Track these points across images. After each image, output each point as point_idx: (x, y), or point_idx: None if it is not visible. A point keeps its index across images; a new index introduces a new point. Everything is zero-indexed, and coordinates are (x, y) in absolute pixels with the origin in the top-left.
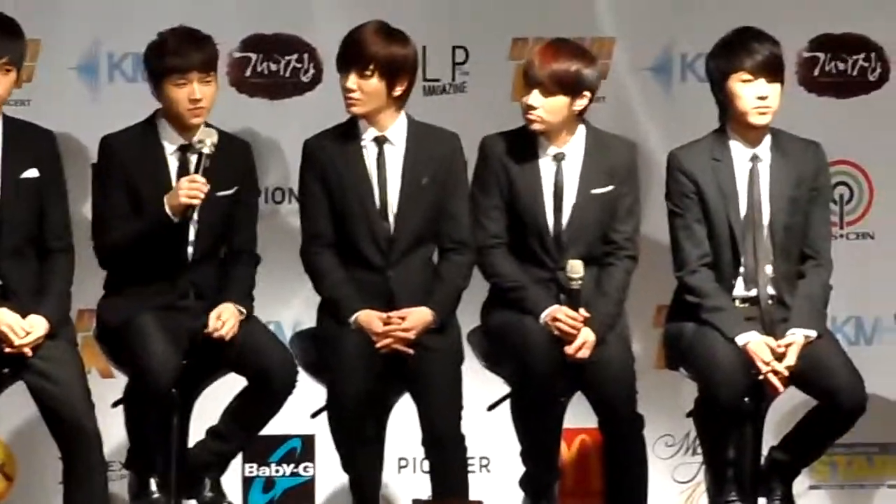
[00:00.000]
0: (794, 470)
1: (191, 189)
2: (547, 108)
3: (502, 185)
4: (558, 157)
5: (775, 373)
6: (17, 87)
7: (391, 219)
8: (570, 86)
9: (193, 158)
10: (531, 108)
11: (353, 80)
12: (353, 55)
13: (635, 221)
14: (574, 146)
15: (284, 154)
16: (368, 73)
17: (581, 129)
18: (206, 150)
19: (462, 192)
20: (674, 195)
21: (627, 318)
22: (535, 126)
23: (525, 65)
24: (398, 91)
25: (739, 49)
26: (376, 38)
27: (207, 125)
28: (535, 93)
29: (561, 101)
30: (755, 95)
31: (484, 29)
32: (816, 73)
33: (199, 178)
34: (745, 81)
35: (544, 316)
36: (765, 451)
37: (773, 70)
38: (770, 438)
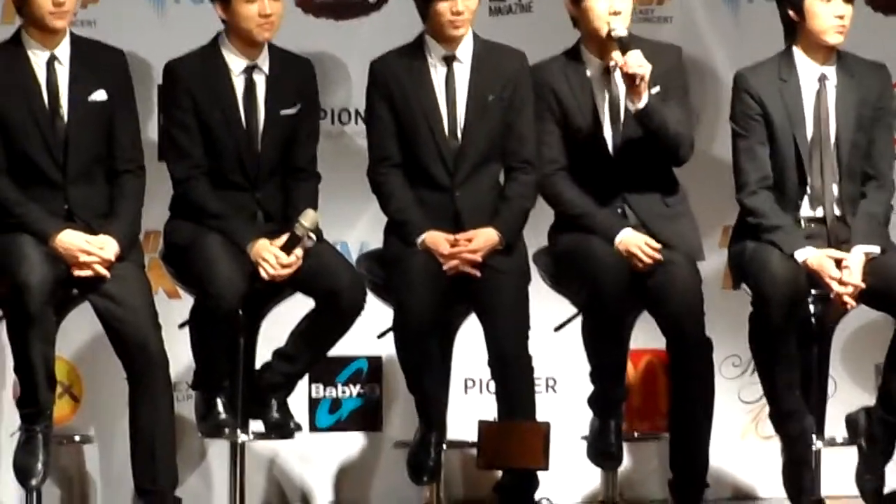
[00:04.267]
0: None
1: (275, 271)
2: (628, 8)
3: (553, 110)
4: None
5: (843, 287)
6: (83, 7)
7: (458, 138)
8: None
9: (286, 237)
10: (618, 12)
11: (461, 3)
12: None
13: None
14: None
15: (350, 75)
16: None
17: None
18: (305, 238)
19: (528, 111)
20: (738, 116)
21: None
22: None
23: None
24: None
25: None
26: None
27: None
28: None
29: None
30: (833, 14)
31: None
32: None
33: (286, 259)
34: (823, 0)
35: (618, 241)
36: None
37: None
38: (838, 364)
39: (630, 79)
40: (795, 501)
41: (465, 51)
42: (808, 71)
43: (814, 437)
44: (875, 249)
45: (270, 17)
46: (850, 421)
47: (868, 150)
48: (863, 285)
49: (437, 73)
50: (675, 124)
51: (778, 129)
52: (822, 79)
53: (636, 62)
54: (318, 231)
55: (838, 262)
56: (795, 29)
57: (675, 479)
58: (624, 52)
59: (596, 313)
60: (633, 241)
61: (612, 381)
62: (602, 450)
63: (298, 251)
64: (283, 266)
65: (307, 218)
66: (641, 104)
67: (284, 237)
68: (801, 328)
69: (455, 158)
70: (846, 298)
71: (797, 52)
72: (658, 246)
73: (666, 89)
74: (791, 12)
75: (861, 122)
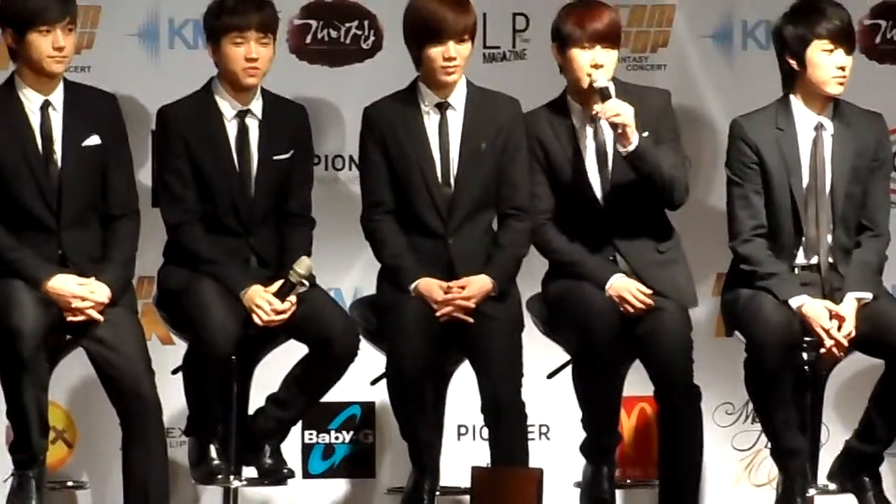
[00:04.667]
0: (878, 456)
1: (269, 317)
2: (610, 63)
3: (540, 159)
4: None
5: (836, 341)
6: (77, 52)
7: (451, 185)
8: (620, 36)
9: (281, 281)
10: (599, 65)
11: (454, 49)
12: (447, 24)
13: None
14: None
15: (344, 121)
16: (466, 38)
17: None
18: (298, 285)
19: (522, 159)
20: (734, 164)
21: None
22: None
23: (569, 27)
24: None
25: (818, 17)
26: (455, 4)
27: (308, 256)
28: (598, 48)
29: (616, 54)
30: (835, 65)
31: None
32: (878, 40)
33: (280, 306)
34: (825, 51)
35: (609, 287)
36: (826, 424)
37: (850, 40)
38: (832, 412)
39: (614, 126)
40: None
41: (458, 97)
42: (805, 120)
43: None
44: (867, 296)
45: (256, 61)
46: (831, 473)
47: (863, 201)
48: (848, 340)
49: (431, 120)
50: (670, 167)
51: (774, 178)
52: (819, 128)
53: (613, 110)
54: (311, 277)
55: (833, 314)
56: (794, 78)
57: None
58: (604, 102)
59: (587, 359)
60: (623, 287)
61: (605, 428)
62: (595, 497)
63: (292, 298)
64: (277, 313)
65: (301, 265)
66: (632, 147)
67: (278, 283)
68: (794, 375)
69: (448, 206)
70: (835, 351)
71: (795, 100)
72: (649, 291)
73: (656, 133)
74: (792, 62)
75: (857, 173)
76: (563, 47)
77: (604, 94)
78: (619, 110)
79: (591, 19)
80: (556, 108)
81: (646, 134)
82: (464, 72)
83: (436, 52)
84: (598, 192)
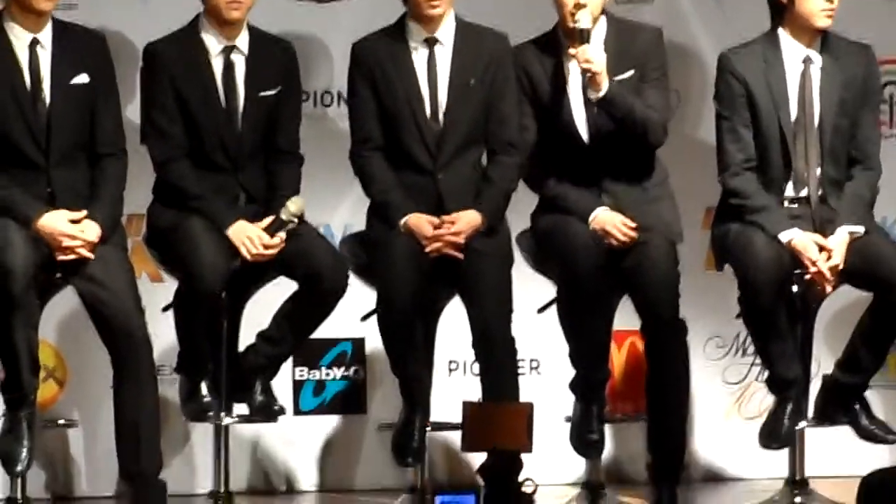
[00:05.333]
0: (864, 385)
1: (256, 251)
2: (595, 3)
3: (527, 92)
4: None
5: (821, 272)
6: None
7: (440, 120)
8: None
9: (272, 217)
10: (582, 5)
11: None
12: None
13: None
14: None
15: (332, 57)
16: None
17: None
18: (290, 222)
19: (510, 94)
20: (722, 97)
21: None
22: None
23: None
24: None
25: None
26: None
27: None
28: None
29: None
30: None
31: None
32: None
33: (270, 240)
34: None
35: (592, 219)
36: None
37: None
38: (822, 343)
39: (583, 72)
40: (771, 440)
41: (446, 33)
42: (793, 53)
43: None
44: (859, 230)
45: None
46: (817, 408)
47: (853, 133)
48: (834, 272)
49: (419, 56)
50: (644, 109)
51: (762, 111)
52: (807, 61)
53: (584, 57)
54: (301, 215)
55: (822, 247)
56: (782, 11)
57: (653, 460)
58: (581, 44)
59: (572, 293)
60: (608, 220)
61: (593, 364)
62: (585, 438)
63: (282, 234)
64: (266, 247)
65: (295, 204)
66: (601, 93)
67: (269, 219)
68: (785, 307)
69: (437, 141)
70: (823, 281)
71: (783, 33)
72: (633, 225)
73: (643, 71)
74: None
75: (845, 105)
76: None
77: (581, 37)
78: (590, 57)
79: None
80: (545, 43)
81: (631, 72)
82: (450, 6)
83: None
84: (584, 131)
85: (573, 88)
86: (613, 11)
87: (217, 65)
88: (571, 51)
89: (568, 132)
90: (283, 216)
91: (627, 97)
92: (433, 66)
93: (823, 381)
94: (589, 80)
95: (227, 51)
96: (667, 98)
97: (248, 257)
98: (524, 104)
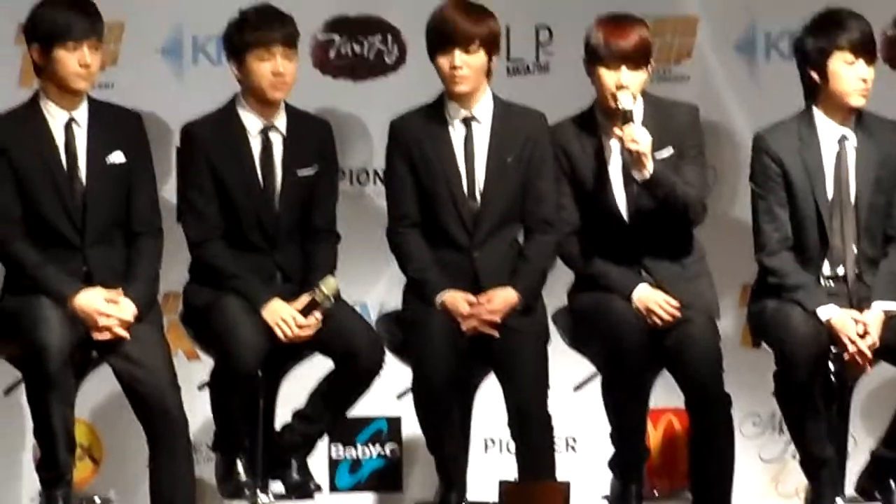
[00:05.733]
0: None
1: (292, 333)
2: (638, 85)
3: (566, 171)
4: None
5: (860, 351)
6: (101, 69)
7: (477, 198)
8: (649, 55)
9: (307, 298)
10: (624, 86)
11: (459, 58)
12: (455, 32)
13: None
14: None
15: (368, 135)
16: (474, 47)
17: None
18: (325, 303)
19: (548, 172)
20: (758, 177)
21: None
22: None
23: (597, 44)
24: (491, 67)
25: (838, 29)
26: (470, 13)
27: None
28: (624, 69)
29: (644, 73)
30: (857, 77)
31: (568, 8)
32: None
33: (304, 321)
34: (847, 63)
35: (636, 298)
36: (853, 434)
37: (871, 51)
38: (858, 421)
39: (629, 153)
40: None
41: (484, 111)
42: (829, 131)
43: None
44: (894, 307)
45: (283, 75)
46: (860, 483)
47: (888, 211)
48: (872, 350)
49: (457, 134)
50: (683, 187)
51: (798, 190)
52: (843, 140)
53: (630, 137)
54: (337, 294)
55: (859, 323)
56: (816, 90)
57: None
58: (625, 124)
59: (616, 370)
60: (651, 298)
61: (633, 442)
62: None
63: (317, 314)
64: (301, 327)
65: (328, 285)
66: (647, 175)
67: (303, 299)
68: (821, 385)
69: (474, 219)
70: (860, 360)
71: (817, 112)
72: (675, 303)
73: (681, 149)
74: (813, 74)
75: (881, 183)
76: (591, 62)
77: (625, 117)
78: (636, 137)
79: (618, 37)
80: (583, 121)
81: (669, 150)
82: (476, 83)
83: (443, 60)
84: (623, 209)
85: (613, 167)
86: (650, 90)
87: (255, 145)
88: (616, 131)
89: (608, 211)
90: (318, 298)
91: (670, 176)
92: (470, 144)
93: (870, 456)
94: (634, 160)
95: (266, 130)
96: (704, 175)
97: (284, 339)
98: (562, 183)
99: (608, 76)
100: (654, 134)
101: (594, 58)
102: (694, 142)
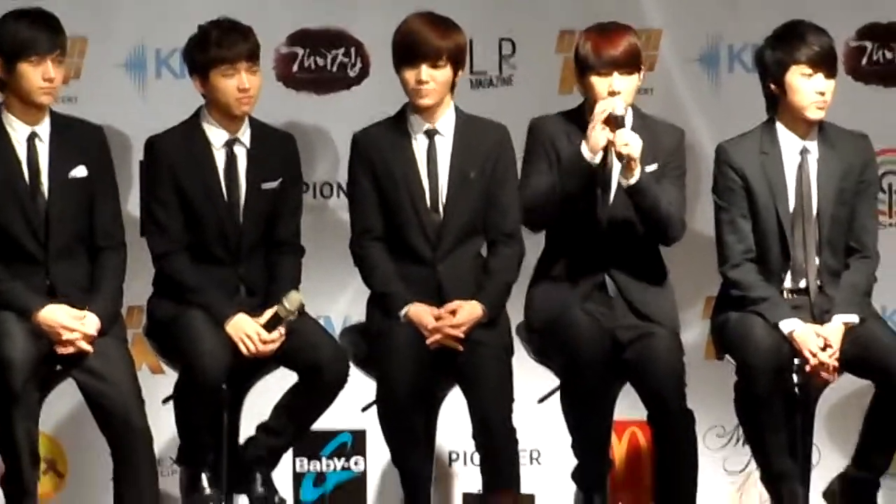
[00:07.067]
0: (875, 483)
1: (255, 348)
2: (630, 90)
3: (552, 162)
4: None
5: (822, 364)
6: (64, 83)
7: (441, 211)
8: (639, 60)
9: (271, 313)
10: (616, 92)
11: (426, 72)
12: (422, 46)
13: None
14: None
15: (332, 148)
16: (441, 62)
17: None
18: (289, 318)
19: (511, 184)
20: (720, 189)
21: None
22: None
23: (587, 53)
24: (455, 80)
25: (797, 42)
26: (438, 27)
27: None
28: (616, 74)
29: (636, 78)
30: (814, 90)
31: (531, 21)
32: (864, 62)
33: (268, 336)
34: (804, 75)
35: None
36: (818, 445)
37: (830, 65)
38: (823, 433)
39: (620, 156)
40: None
41: (446, 124)
42: (790, 144)
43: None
44: (854, 318)
45: (248, 90)
46: (827, 494)
47: (850, 223)
48: (834, 363)
49: (419, 146)
50: (668, 205)
51: (760, 203)
52: (804, 151)
53: (622, 140)
54: (301, 309)
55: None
56: (777, 102)
57: None
58: (617, 129)
59: (575, 382)
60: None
61: (595, 454)
62: None
63: (281, 329)
64: (265, 342)
65: (291, 300)
66: (633, 180)
67: (268, 314)
68: (784, 397)
69: (437, 232)
70: (823, 372)
71: (779, 125)
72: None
73: (664, 168)
74: (773, 86)
75: (843, 195)
76: (581, 73)
77: (618, 123)
78: (629, 141)
79: (607, 46)
80: (572, 118)
81: (654, 167)
82: (441, 97)
83: (409, 73)
84: (602, 214)
85: (598, 172)
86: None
87: (220, 158)
88: (608, 134)
89: (586, 212)
90: (281, 313)
91: (655, 188)
92: (433, 156)
93: (842, 472)
94: (624, 164)
95: (230, 143)
96: (684, 197)
97: (247, 354)
98: (547, 173)
99: (600, 83)
100: (643, 150)
101: (585, 67)
102: (677, 163)
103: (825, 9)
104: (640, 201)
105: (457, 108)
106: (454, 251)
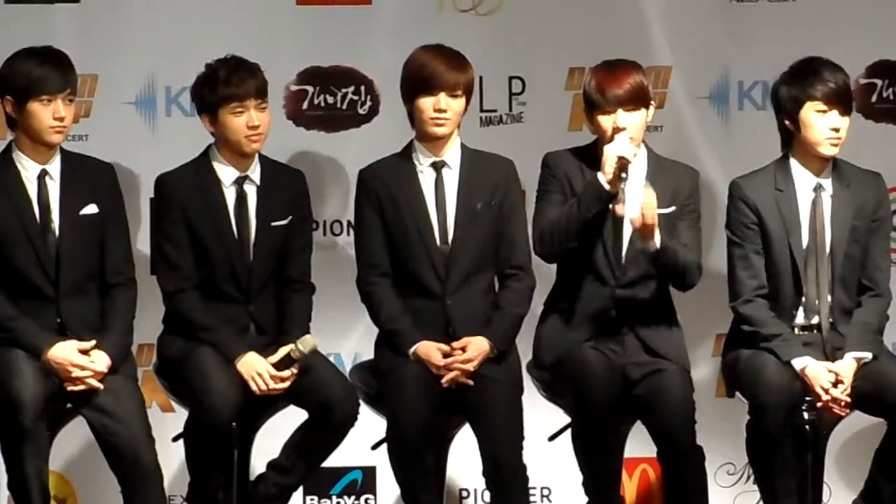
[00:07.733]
0: None
1: (266, 387)
2: (637, 125)
3: (567, 195)
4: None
5: (834, 400)
6: (75, 121)
7: (449, 243)
8: (647, 97)
9: (283, 353)
10: (620, 129)
11: (444, 101)
12: (441, 76)
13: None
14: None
15: (342, 186)
16: (459, 93)
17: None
18: (301, 360)
19: (519, 218)
20: (734, 225)
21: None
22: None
23: (592, 92)
24: (464, 113)
25: (813, 78)
26: (452, 59)
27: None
28: (620, 111)
29: (643, 114)
30: (829, 126)
31: (540, 59)
32: (874, 99)
33: (279, 375)
34: (819, 112)
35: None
36: (828, 483)
37: (846, 102)
38: (833, 471)
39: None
40: None
41: (453, 157)
42: (804, 180)
43: None
44: (866, 355)
45: (258, 127)
46: None
47: (863, 261)
48: (846, 399)
49: (426, 179)
50: (685, 253)
51: (773, 239)
52: (818, 188)
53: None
54: (314, 352)
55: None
56: (791, 138)
57: None
58: (621, 172)
59: (586, 421)
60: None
61: (606, 492)
62: None
63: (293, 369)
64: (276, 381)
65: (305, 344)
66: (655, 247)
67: (280, 353)
68: (795, 435)
69: (446, 265)
70: (835, 408)
71: (793, 161)
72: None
73: (680, 210)
74: (787, 122)
75: (856, 233)
76: (589, 110)
77: (622, 166)
78: (649, 210)
79: (611, 84)
80: (585, 154)
81: (672, 209)
82: (455, 128)
83: (426, 102)
84: (612, 252)
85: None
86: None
87: (230, 196)
88: (618, 209)
89: (602, 246)
90: (294, 354)
91: (674, 246)
92: (441, 188)
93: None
94: (643, 235)
95: (240, 181)
96: (700, 238)
97: (258, 392)
98: (564, 202)
99: (606, 122)
100: (658, 192)
101: (591, 106)
102: (693, 206)
103: (835, 46)
104: (665, 262)
105: (462, 144)
106: (463, 285)
